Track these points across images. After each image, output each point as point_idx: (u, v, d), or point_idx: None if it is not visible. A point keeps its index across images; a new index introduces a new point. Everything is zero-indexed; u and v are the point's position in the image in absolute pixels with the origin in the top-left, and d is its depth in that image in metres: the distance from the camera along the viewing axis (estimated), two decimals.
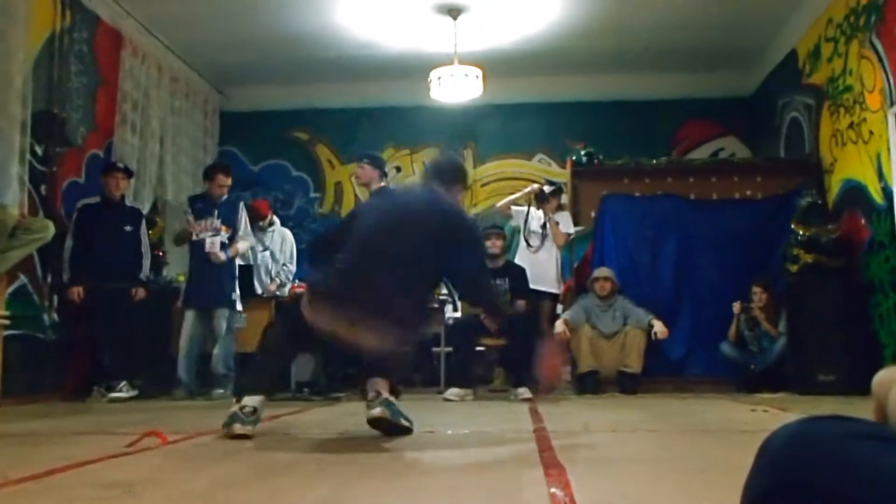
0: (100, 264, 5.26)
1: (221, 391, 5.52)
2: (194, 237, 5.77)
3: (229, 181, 5.93)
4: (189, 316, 5.70)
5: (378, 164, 5.30)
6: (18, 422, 3.65)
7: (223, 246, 5.74)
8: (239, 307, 5.89)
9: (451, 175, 3.22)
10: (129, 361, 5.42)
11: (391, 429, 2.85)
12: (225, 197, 5.89)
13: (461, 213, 3.28)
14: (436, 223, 2.89)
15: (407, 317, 2.82)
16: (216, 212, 5.77)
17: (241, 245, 5.90)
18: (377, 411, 2.80)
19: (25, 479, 1.86)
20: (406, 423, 2.88)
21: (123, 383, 5.29)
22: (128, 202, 5.71)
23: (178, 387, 5.63)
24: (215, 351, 5.66)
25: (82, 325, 5.38)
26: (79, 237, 5.31)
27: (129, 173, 5.70)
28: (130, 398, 5.23)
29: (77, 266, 5.27)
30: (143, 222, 5.71)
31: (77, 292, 5.24)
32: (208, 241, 5.71)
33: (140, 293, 5.52)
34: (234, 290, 5.86)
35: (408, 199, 3.20)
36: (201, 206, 5.82)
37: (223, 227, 5.77)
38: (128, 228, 5.50)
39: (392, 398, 2.90)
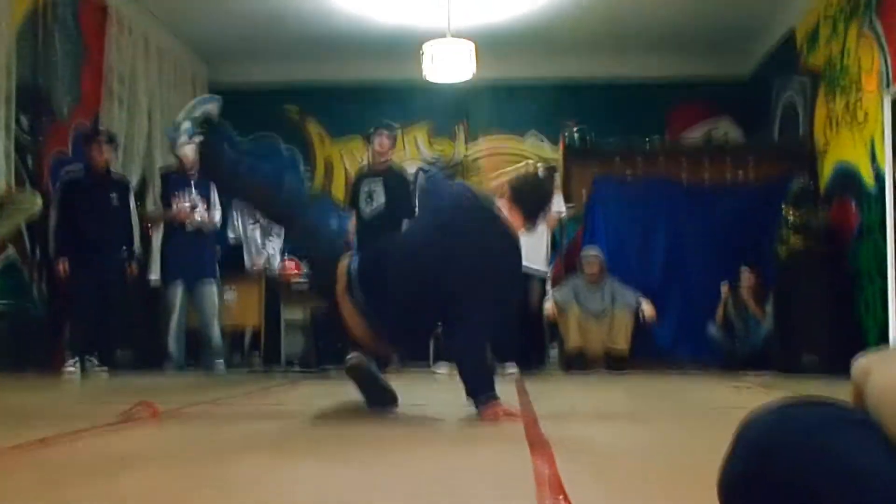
0: (86, 237, 5.17)
1: (221, 363, 5.58)
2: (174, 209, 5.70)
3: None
4: (175, 290, 5.67)
5: (395, 139, 5.66)
6: (7, 395, 3.64)
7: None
8: None
9: (532, 206, 2.86)
10: (93, 338, 5.23)
11: (372, 388, 2.82)
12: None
13: (515, 269, 2.89)
14: (482, 269, 2.65)
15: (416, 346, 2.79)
16: (192, 184, 5.64)
17: (216, 215, 5.81)
18: (354, 359, 2.74)
19: (16, 447, 1.86)
20: (386, 385, 2.85)
21: (73, 360, 5.01)
22: (114, 176, 5.59)
23: (168, 361, 5.62)
24: (213, 325, 5.66)
25: (70, 298, 5.34)
26: (64, 210, 5.21)
27: (111, 140, 5.55)
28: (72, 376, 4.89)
29: (63, 239, 5.19)
30: (131, 194, 5.60)
31: (63, 266, 5.15)
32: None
33: (134, 269, 5.47)
34: (216, 263, 5.82)
35: (471, 236, 2.73)
36: (175, 177, 5.64)
37: (201, 199, 5.69)
38: (115, 201, 5.36)
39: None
